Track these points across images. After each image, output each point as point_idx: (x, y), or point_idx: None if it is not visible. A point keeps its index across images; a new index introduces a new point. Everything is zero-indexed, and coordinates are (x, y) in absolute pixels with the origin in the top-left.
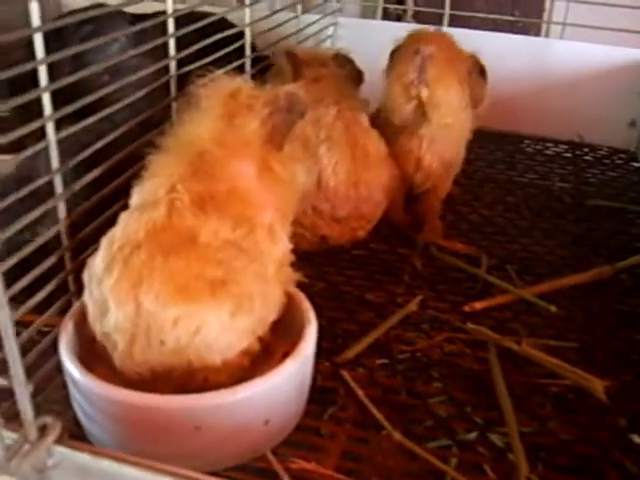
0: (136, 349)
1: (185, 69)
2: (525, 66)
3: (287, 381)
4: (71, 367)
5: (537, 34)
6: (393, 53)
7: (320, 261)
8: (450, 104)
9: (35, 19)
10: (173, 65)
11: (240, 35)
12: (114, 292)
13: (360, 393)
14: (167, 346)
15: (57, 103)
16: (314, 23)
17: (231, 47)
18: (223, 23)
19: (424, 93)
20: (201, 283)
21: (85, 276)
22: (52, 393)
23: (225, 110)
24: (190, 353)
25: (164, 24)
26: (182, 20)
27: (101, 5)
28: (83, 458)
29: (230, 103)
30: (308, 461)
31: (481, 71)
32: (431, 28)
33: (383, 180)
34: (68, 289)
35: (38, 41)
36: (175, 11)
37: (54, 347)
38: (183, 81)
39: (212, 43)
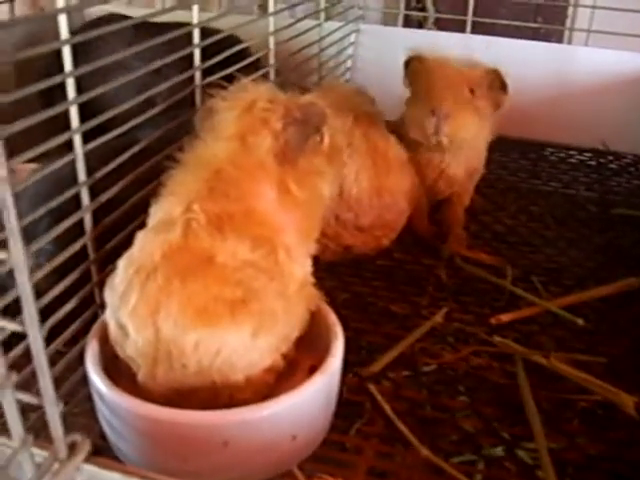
0: (159, 372)
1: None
2: (548, 73)
3: (315, 397)
4: (98, 382)
5: (559, 41)
6: (407, 64)
7: (344, 271)
8: (468, 134)
9: (64, 32)
10: (198, 75)
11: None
12: (132, 319)
13: (387, 408)
14: (189, 369)
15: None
16: (336, 30)
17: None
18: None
19: (445, 141)
20: (220, 305)
21: (106, 295)
22: (77, 406)
23: (239, 128)
24: (213, 374)
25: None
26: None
27: (122, 16)
28: (113, 477)
29: (244, 118)
30: (335, 477)
31: (502, 85)
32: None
33: (405, 186)
34: (94, 301)
35: (66, 54)
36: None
37: (79, 359)
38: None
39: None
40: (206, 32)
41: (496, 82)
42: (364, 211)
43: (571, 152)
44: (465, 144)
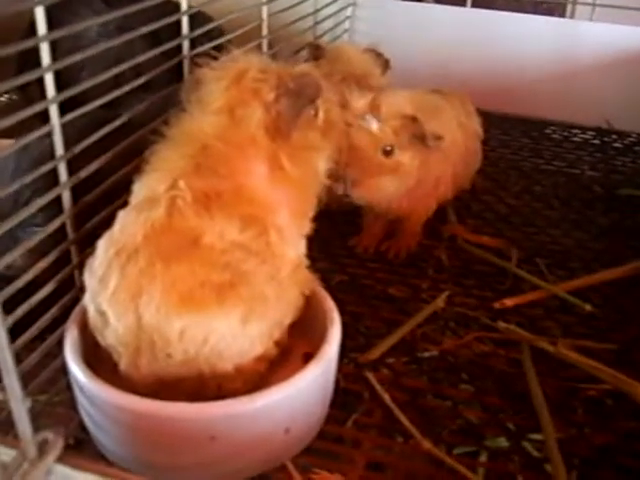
0: (142, 361)
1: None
2: (551, 49)
3: (310, 387)
4: (78, 372)
5: (562, 15)
6: None
7: (339, 252)
8: (384, 193)
9: None
10: (186, 44)
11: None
12: (112, 304)
13: (386, 397)
14: (174, 358)
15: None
16: (332, 3)
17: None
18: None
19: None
20: (207, 289)
21: (85, 278)
22: (58, 394)
23: (227, 99)
24: (200, 363)
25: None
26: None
27: None
28: (87, 478)
29: (233, 89)
30: (331, 471)
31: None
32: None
33: None
34: (74, 284)
35: (40, 15)
36: None
37: (59, 346)
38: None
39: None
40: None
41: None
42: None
43: (574, 130)
44: (386, 199)
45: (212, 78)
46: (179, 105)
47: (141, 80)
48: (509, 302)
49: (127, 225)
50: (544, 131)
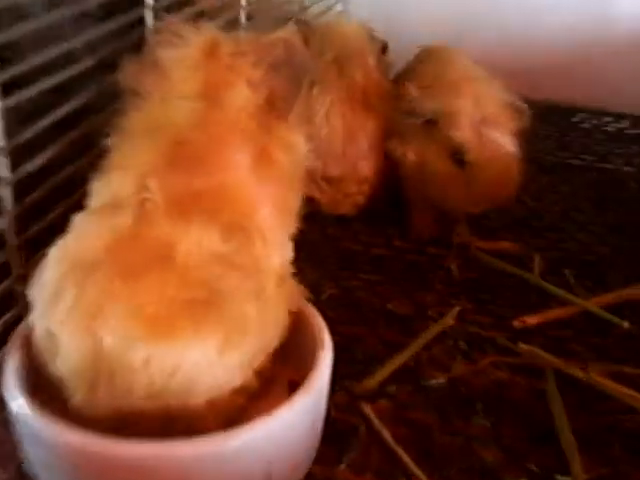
0: (99, 396)
1: None
2: (581, 21)
3: (295, 423)
4: (21, 407)
5: None
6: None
7: (331, 261)
8: None
9: None
10: (150, 16)
11: None
12: (65, 327)
13: (386, 433)
14: (137, 392)
15: None
16: None
17: None
18: None
19: None
20: (179, 311)
21: (32, 294)
22: None
23: (200, 81)
24: (168, 397)
25: None
26: None
27: None
28: None
29: (207, 68)
30: None
31: None
32: None
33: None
34: (16, 301)
35: None
36: None
37: None
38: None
39: None
40: None
41: None
42: (334, 158)
43: (606, 119)
44: None
45: (175, 58)
46: (130, 92)
47: (93, 60)
48: (531, 320)
49: (85, 233)
50: (571, 119)
